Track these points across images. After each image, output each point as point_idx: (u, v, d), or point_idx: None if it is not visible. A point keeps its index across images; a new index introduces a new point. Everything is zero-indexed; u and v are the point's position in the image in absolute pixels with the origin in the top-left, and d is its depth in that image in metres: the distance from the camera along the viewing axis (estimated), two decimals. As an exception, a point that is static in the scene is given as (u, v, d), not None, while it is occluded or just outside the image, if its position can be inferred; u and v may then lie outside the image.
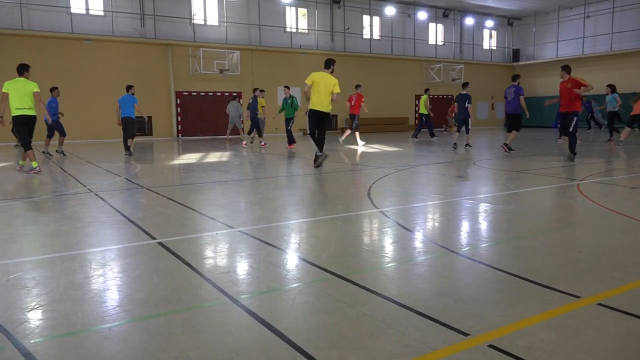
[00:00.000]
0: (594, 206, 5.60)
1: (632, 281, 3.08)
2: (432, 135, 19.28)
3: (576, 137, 10.06)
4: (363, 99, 16.41)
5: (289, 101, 15.10)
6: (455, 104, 15.45)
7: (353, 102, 16.17)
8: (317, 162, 9.49)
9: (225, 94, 23.44)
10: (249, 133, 17.01)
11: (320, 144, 9.63)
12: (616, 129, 16.49)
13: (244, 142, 17.25)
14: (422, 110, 19.05)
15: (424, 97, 18.95)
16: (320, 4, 26.41)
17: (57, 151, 13.65)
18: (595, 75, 15.67)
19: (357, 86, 16.80)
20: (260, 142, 16.60)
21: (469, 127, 15.09)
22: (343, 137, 16.70)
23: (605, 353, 2.17)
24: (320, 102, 9.55)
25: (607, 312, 2.61)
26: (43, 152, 13.34)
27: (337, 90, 9.53)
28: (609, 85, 16.64)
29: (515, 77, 13.47)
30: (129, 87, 13.71)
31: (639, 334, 2.35)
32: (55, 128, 13.18)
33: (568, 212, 5.52)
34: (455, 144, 14.57)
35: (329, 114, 9.68)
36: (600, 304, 2.70)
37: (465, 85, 15.45)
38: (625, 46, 27.52)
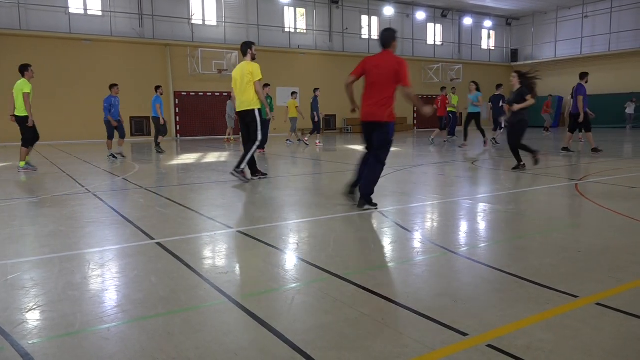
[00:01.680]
0: (592, 206, 5.61)
1: (630, 281, 3.08)
2: (452, 134, 19.24)
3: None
4: (447, 101, 17.51)
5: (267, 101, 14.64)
6: (490, 103, 16.21)
7: (439, 104, 17.38)
8: (239, 174, 7.81)
9: (224, 94, 23.43)
10: (311, 133, 17.66)
11: (243, 155, 7.92)
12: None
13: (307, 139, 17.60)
14: (451, 108, 18.93)
15: (455, 97, 18.98)
16: (318, 4, 26.42)
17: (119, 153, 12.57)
18: (594, 75, 15.72)
19: (442, 88, 18.23)
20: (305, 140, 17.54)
21: (503, 125, 15.73)
22: (432, 136, 17.43)
23: (604, 353, 2.17)
24: (239, 100, 7.86)
25: (606, 312, 2.61)
26: (111, 155, 12.08)
27: (257, 76, 7.66)
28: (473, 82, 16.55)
29: (582, 75, 12.65)
30: (157, 88, 14.08)
31: (637, 333, 2.35)
32: (116, 129, 12.38)
33: (566, 212, 5.52)
34: (494, 139, 15.85)
35: (250, 112, 7.77)
36: (598, 304, 2.70)
37: (498, 86, 16.28)
38: (623, 46, 27.56)
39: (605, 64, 27.74)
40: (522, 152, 8.88)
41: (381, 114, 5.37)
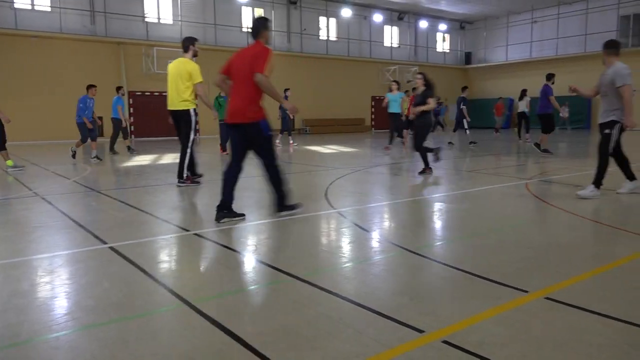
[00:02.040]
0: (541, 204, 5.83)
1: (577, 275, 3.22)
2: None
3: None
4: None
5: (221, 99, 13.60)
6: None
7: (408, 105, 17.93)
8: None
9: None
10: (281, 132, 17.28)
11: (180, 162, 7.41)
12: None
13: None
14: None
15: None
16: (277, 4, 26.34)
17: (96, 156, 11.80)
18: (543, 78, 16.45)
19: (413, 89, 18.44)
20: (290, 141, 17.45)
21: (464, 127, 16.11)
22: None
23: (554, 345, 2.25)
24: (172, 98, 7.20)
25: (555, 305, 2.72)
26: (96, 157, 11.61)
27: (196, 78, 7.07)
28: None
29: (549, 77, 12.94)
30: (118, 88, 14.07)
31: (584, 326, 2.46)
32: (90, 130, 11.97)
33: (517, 210, 5.72)
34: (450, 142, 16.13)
35: (186, 112, 7.17)
36: (548, 298, 2.81)
37: (464, 88, 16.55)
38: (570, 51, 28.83)
39: (554, 68, 28.83)
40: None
41: (243, 114, 4.77)
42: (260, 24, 5.04)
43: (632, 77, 5.73)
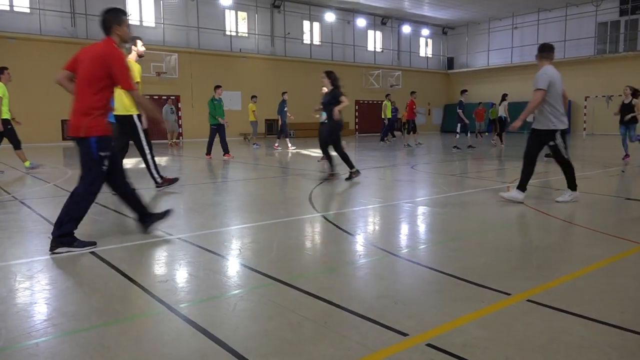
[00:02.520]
0: (522, 207, 5.90)
1: (557, 278, 3.27)
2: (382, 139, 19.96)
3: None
4: (414, 105, 18.09)
5: (216, 102, 13.52)
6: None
7: (407, 108, 18.30)
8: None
9: (163, 97, 22.81)
10: (278, 137, 17.29)
11: (147, 169, 7.08)
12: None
13: (276, 145, 17.26)
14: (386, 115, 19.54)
15: (389, 103, 19.59)
16: (260, 8, 26.32)
17: None
18: (523, 83, 16.59)
19: (412, 92, 18.67)
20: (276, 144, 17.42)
21: (457, 130, 16.16)
22: (405, 142, 18.12)
23: (535, 347, 2.28)
24: (117, 102, 6.26)
25: (536, 307, 2.75)
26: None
27: (134, 79, 5.29)
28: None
29: None
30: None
31: (564, 327, 2.49)
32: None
33: (499, 213, 5.78)
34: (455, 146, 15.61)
35: (129, 117, 6.62)
36: (529, 300, 2.84)
37: (463, 92, 16.36)
38: (549, 56, 29.35)
39: (534, 73, 29.36)
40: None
41: (78, 127, 3.97)
42: (112, 17, 4.08)
43: (547, 82, 5.66)
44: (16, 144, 9.87)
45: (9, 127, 9.64)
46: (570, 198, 6.01)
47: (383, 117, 19.76)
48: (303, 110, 27.44)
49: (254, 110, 18.12)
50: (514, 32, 31.33)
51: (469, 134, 16.39)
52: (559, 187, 7.44)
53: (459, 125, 15.94)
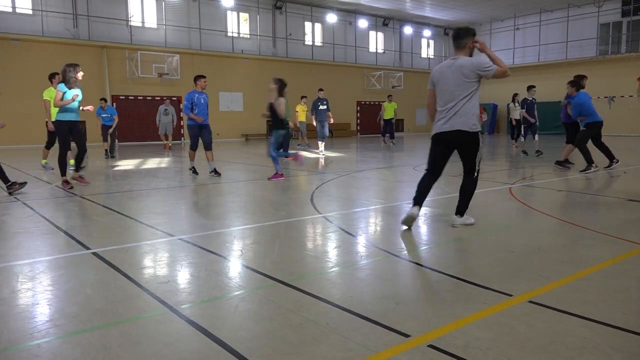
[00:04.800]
0: (524, 208, 5.90)
1: (559, 279, 3.26)
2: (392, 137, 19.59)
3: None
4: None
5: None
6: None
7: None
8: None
9: (165, 98, 22.85)
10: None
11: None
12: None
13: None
14: (389, 116, 19.08)
15: (393, 104, 19.21)
16: (262, 9, 26.34)
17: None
18: (525, 84, 16.69)
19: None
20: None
21: (521, 132, 14.16)
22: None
23: (536, 347, 2.28)
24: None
25: (538, 308, 2.75)
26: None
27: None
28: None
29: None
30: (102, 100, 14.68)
31: (566, 328, 2.49)
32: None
33: (501, 214, 5.78)
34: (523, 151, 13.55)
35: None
36: (531, 302, 2.84)
37: (530, 87, 13.63)
38: (551, 57, 29.33)
39: (536, 74, 29.32)
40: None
41: None
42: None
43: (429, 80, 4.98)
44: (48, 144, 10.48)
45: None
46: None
47: (386, 117, 19.41)
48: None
49: (305, 111, 17.58)
50: (516, 33, 31.30)
51: (535, 136, 13.75)
52: (560, 187, 7.43)
53: (522, 127, 13.78)
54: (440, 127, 4.72)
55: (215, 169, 9.25)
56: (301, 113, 17.42)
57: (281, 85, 8.34)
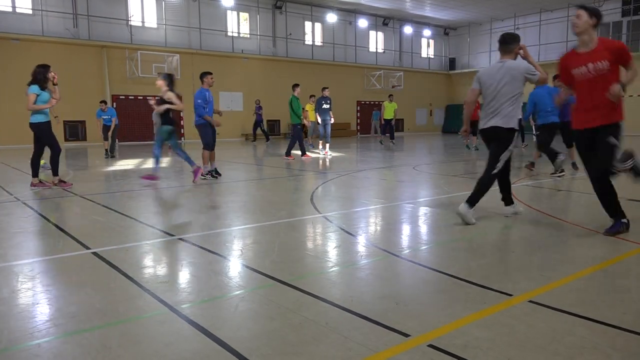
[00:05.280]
0: (524, 208, 5.89)
1: (559, 279, 3.26)
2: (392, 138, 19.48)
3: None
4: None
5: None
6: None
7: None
8: None
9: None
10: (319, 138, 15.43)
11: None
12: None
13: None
14: (388, 116, 18.85)
15: (393, 104, 18.89)
16: (262, 9, 26.33)
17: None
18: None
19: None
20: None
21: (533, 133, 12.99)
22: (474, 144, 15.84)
23: (536, 347, 2.28)
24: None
25: (537, 308, 2.75)
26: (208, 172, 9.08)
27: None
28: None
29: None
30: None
31: (566, 328, 2.49)
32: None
33: (501, 214, 5.77)
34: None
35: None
36: (531, 301, 2.84)
37: (555, 77, 11.98)
38: (551, 57, 29.27)
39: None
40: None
41: None
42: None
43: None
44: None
45: None
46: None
47: (386, 117, 19.24)
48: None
49: (314, 110, 17.35)
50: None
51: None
52: (560, 187, 7.43)
53: (534, 126, 12.62)
54: (483, 125, 5.12)
55: (216, 168, 9.14)
56: (311, 112, 17.08)
57: (170, 81, 8.21)
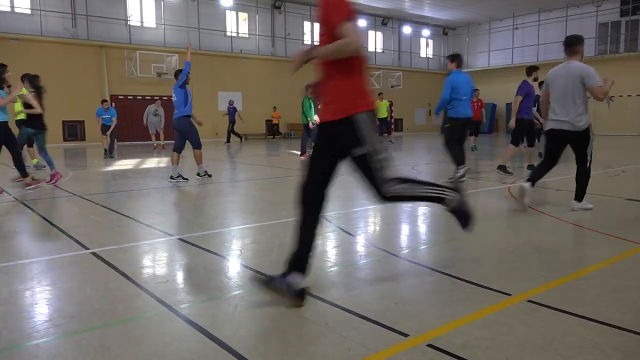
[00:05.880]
0: (524, 208, 5.89)
1: (558, 278, 3.26)
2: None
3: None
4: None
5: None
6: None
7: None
8: None
9: (164, 98, 22.83)
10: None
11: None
12: None
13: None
14: (382, 115, 18.72)
15: (385, 103, 18.69)
16: (261, 8, 26.33)
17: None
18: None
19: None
20: None
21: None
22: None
23: (536, 347, 2.28)
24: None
25: (537, 308, 2.75)
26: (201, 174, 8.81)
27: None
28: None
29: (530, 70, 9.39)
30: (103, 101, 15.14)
31: (565, 328, 2.49)
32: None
33: (500, 213, 5.78)
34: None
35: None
36: (530, 301, 2.84)
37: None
38: (550, 57, 29.31)
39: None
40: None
41: None
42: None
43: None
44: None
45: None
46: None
47: (380, 117, 19.04)
48: (304, 110, 27.49)
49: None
50: (515, 32, 31.31)
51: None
52: (560, 187, 7.43)
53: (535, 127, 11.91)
54: (551, 125, 5.40)
55: (205, 171, 8.69)
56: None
57: (29, 82, 8.33)
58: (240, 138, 22.25)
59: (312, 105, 12.86)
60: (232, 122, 21.71)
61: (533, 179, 5.59)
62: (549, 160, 5.59)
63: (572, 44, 5.35)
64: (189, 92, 8.29)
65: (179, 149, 8.37)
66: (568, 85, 5.20)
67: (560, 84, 5.27)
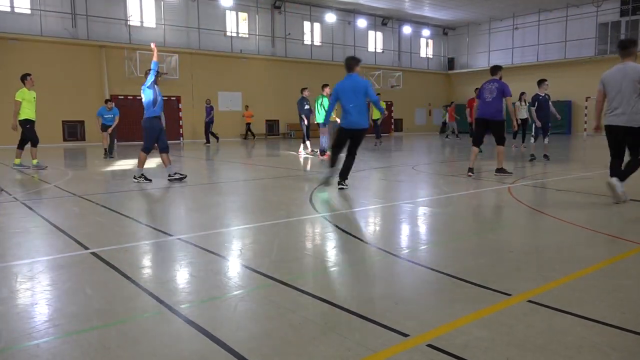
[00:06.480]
0: (523, 208, 5.90)
1: (557, 278, 3.26)
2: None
3: None
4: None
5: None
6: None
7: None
8: None
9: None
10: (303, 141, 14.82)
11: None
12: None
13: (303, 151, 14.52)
14: (376, 116, 18.55)
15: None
16: (261, 8, 26.32)
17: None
18: (525, 83, 16.66)
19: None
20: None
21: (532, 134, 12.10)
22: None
23: (535, 347, 2.28)
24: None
25: (536, 308, 2.75)
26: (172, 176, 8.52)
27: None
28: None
29: (495, 69, 9.83)
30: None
31: (565, 328, 2.49)
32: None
33: (500, 214, 5.78)
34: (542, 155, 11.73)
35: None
36: (530, 301, 2.84)
37: (541, 82, 11.85)
38: (550, 57, 29.34)
39: (534, 74, 29.33)
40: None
41: None
42: None
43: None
44: (34, 142, 10.88)
45: (28, 126, 10.72)
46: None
47: (374, 118, 18.80)
48: (304, 110, 27.48)
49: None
50: (515, 32, 31.30)
51: (546, 139, 11.74)
52: (562, 187, 7.44)
53: (534, 127, 11.76)
54: (609, 120, 5.84)
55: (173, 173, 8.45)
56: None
57: None
58: (217, 139, 22.23)
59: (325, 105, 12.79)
60: (211, 122, 21.53)
61: (619, 177, 5.83)
62: (613, 155, 5.92)
63: (627, 47, 5.77)
64: (159, 92, 8.21)
65: (146, 149, 8.36)
66: (625, 84, 5.62)
67: (617, 83, 5.69)
